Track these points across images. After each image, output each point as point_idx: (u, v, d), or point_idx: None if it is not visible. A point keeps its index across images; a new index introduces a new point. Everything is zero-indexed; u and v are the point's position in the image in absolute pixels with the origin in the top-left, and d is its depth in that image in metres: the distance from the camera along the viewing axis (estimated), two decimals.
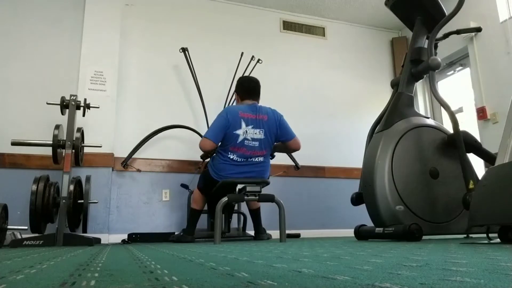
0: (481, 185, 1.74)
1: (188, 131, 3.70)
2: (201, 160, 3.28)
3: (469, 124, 3.87)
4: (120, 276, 0.74)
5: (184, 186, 3.43)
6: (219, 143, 2.89)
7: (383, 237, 2.29)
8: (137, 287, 0.59)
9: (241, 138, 2.80)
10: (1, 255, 1.55)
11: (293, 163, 3.99)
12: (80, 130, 2.86)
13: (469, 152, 2.46)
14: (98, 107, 3.12)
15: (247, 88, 3.03)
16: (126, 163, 3.45)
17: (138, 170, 3.53)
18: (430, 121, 2.70)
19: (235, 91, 3.13)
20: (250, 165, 2.84)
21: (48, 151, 2.77)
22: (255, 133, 2.84)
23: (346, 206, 3.13)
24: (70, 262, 1.12)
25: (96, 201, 3.00)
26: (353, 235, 2.62)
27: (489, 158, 2.52)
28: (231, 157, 2.80)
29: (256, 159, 2.86)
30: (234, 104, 3.28)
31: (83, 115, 3.03)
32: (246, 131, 2.81)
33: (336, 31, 4.78)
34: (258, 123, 2.86)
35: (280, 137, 2.96)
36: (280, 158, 3.99)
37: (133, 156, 3.58)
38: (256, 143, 2.83)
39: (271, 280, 0.61)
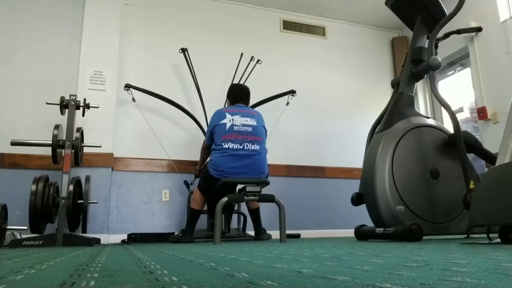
0: (481, 185, 1.74)
1: (188, 131, 3.70)
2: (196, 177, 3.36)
3: (470, 124, 3.87)
4: (119, 276, 0.73)
5: (186, 183, 3.43)
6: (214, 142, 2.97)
7: (384, 237, 2.29)
8: (137, 287, 0.59)
9: (228, 125, 2.85)
10: (1, 255, 1.55)
11: (294, 164, 4.00)
12: (79, 130, 2.86)
13: (469, 152, 2.45)
14: (97, 107, 3.12)
15: (237, 94, 3.14)
16: (129, 87, 3.51)
17: (133, 100, 3.57)
18: (431, 121, 2.70)
19: (227, 97, 3.23)
20: (247, 156, 2.82)
21: (48, 151, 2.76)
22: (246, 121, 2.91)
23: (346, 206, 3.13)
24: (69, 262, 1.12)
25: (95, 201, 3.00)
26: (353, 235, 2.62)
27: (489, 158, 2.51)
28: (226, 146, 2.81)
29: (252, 146, 2.85)
30: None
31: (83, 115, 3.03)
32: (233, 119, 2.88)
33: (336, 31, 4.78)
34: (247, 114, 2.96)
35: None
36: (281, 158, 3.99)
37: (133, 157, 3.59)
38: (249, 128, 2.88)
39: (271, 281, 0.61)
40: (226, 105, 3.25)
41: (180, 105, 3.67)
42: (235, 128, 2.84)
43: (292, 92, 3.96)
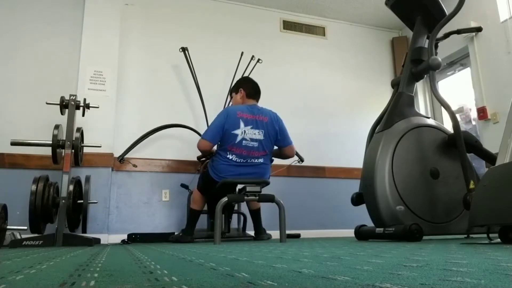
0: (481, 185, 1.74)
1: (188, 131, 3.70)
2: (199, 161, 3.29)
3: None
4: (119, 276, 0.73)
5: (184, 186, 3.42)
6: (218, 143, 2.90)
7: (384, 237, 2.29)
8: (137, 287, 0.59)
9: (239, 138, 2.79)
10: (1, 255, 1.55)
11: (294, 164, 3.99)
12: (79, 130, 2.86)
13: (469, 152, 2.45)
14: (97, 107, 3.11)
15: (255, 88, 3.07)
16: (122, 158, 3.42)
17: (134, 166, 3.50)
18: (431, 121, 2.70)
19: (241, 87, 3.07)
20: (250, 166, 2.83)
21: (48, 151, 2.76)
22: (254, 134, 2.84)
23: (346, 206, 3.13)
24: (69, 262, 1.12)
25: (95, 201, 3.00)
26: (353, 235, 2.62)
27: (489, 158, 2.51)
28: (230, 157, 2.79)
29: (256, 160, 2.84)
30: (231, 104, 3.28)
31: (83, 115, 3.03)
32: (245, 131, 2.81)
33: (336, 30, 4.78)
34: (258, 123, 2.87)
35: (278, 141, 2.98)
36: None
37: (133, 156, 3.58)
38: (255, 144, 2.83)
39: (271, 281, 0.61)
40: (239, 97, 3.05)
41: (176, 124, 3.64)
42: (244, 142, 2.79)
43: (300, 160, 3.72)
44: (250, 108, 2.92)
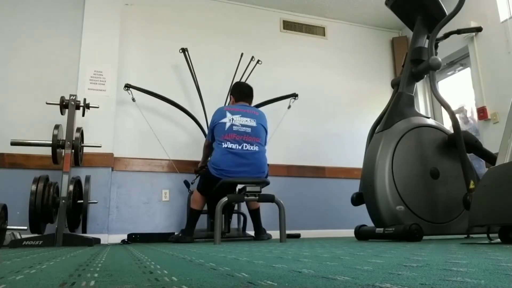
0: (481, 185, 1.74)
1: (188, 132, 3.70)
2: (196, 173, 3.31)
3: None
4: (119, 276, 0.73)
5: (186, 183, 3.42)
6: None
7: (384, 237, 2.29)
8: (137, 287, 0.59)
9: (228, 125, 2.87)
10: (1, 255, 1.55)
11: (294, 164, 4.00)
12: (79, 130, 2.86)
13: (469, 152, 2.46)
14: (97, 107, 3.12)
15: (242, 91, 3.17)
16: (129, 86, 3.52)
17: (133, 99, 3.58)
18: (431, 121, 2.70)
19: (231, 94, 3.24)
20: (247, 156, 2.83)
21: (48, 151, 2.76)
22: (246, 121, 2.92)
23: (346, 206, 3.13)
24: (69, 262, 1.12)
25: (95, 201, 3.00)
26: (353, 235, 2.62)
27: (489, 158, 2.52)
28: (225, 146, 2.83)
29: (251, 148, 2.87)
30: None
31: (83, 115, 3.03)
32: (233, 118, 2.90)
33: (336, 31, 4.78)
34: (248, 114, 2.97)
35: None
36: (281, 158, 4.00)
37: (133, 157, 3.59)
38: (248, 129, 2.90)
39: (271, 281, 0.61)
40: (230, 103, 3.25)
41: (179, 104, 3.67)
42: (234, 128, 2.86)
43: (294, 96, 3.95)
44: (240, 105, 3.05)
